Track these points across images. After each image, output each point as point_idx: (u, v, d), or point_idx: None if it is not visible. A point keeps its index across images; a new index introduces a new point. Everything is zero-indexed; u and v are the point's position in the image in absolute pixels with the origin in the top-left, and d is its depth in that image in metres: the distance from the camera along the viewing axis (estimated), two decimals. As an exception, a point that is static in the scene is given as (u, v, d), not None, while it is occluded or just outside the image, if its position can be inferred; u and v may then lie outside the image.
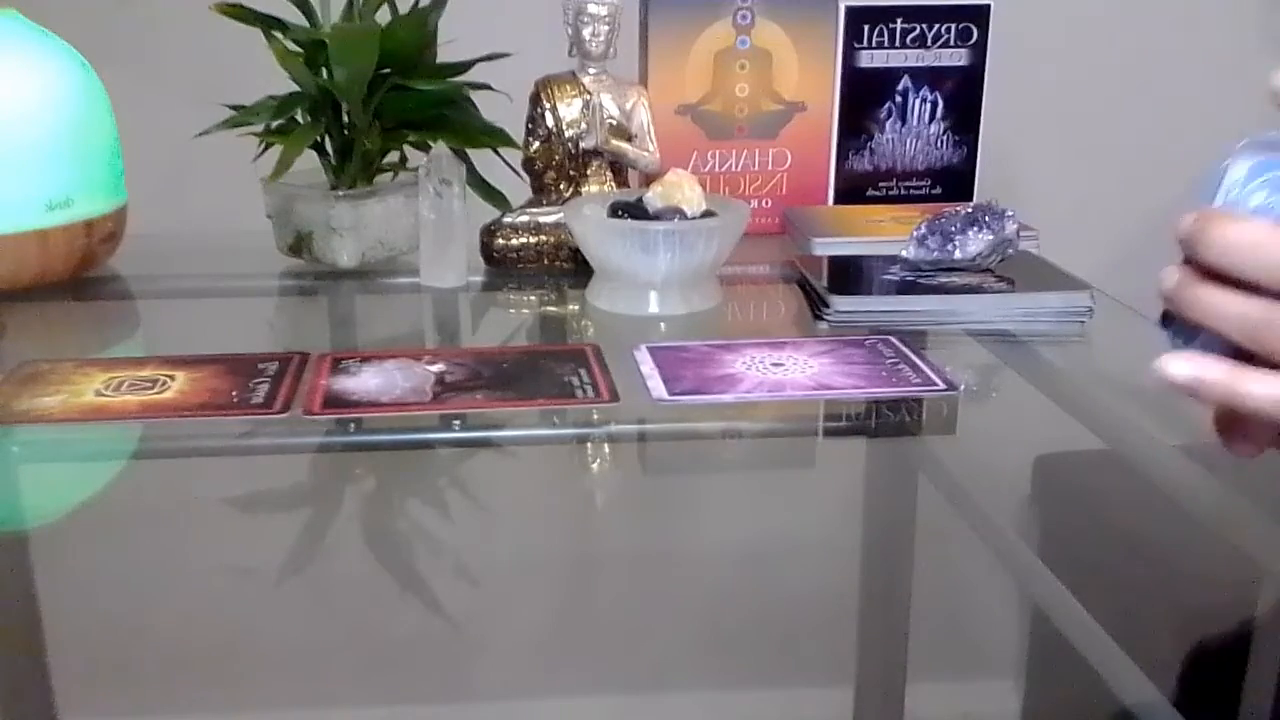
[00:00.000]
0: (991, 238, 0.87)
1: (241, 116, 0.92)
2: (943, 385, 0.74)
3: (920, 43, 1.07)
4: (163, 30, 1.24)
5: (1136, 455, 0.73)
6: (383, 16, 0.94)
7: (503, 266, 0.96)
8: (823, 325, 0.85)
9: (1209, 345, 0.48)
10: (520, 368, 0.76)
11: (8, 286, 0.89)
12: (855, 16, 1.06)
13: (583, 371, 0.75)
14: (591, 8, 0.94)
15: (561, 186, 0.98)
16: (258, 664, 0.56)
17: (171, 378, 0.74)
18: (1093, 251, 1.03)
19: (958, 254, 0.88)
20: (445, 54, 0.96)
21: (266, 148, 0.93)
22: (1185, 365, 0.47)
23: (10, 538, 0.65)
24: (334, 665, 0.55)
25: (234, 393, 0.72)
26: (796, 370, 0.75)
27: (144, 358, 0.78)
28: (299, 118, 0.94)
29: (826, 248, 0.98)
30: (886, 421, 0.74)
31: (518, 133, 0.96)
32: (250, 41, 0.92)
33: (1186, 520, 0.66)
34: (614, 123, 0.97)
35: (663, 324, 0.86)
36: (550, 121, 0.96)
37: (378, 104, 0.92)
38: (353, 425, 0.70)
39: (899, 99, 1.09)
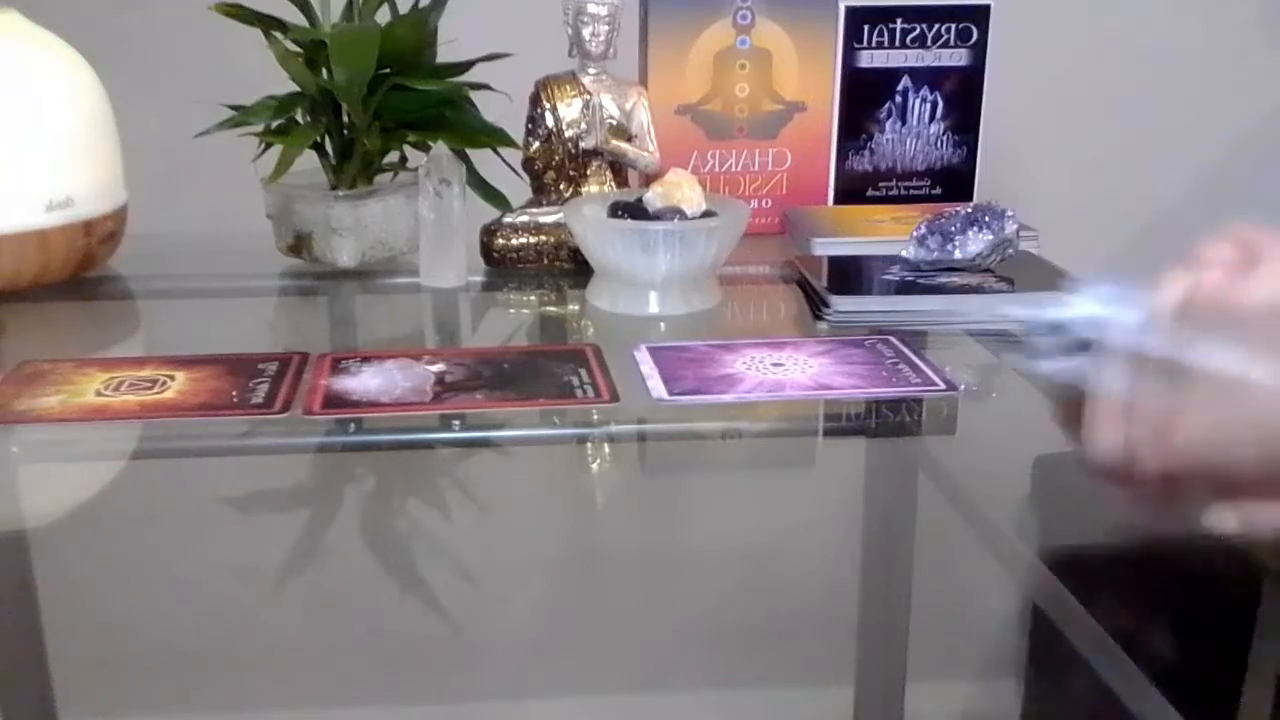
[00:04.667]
0: (991, 238, 0.87)
1: (241, 116, 0.92)
2: (943, 385, 0.74)
3: (920, 43, 1.07)
4: (163, 30, 1.24)
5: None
6: (383, 16, 0.94)
7: (503, 266, 0.96)
8: (823, 325, 0.85)
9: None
10: (520, 368, 0.76)
11: (8, 286, 0.89)
12: (855, 16, 1.06)
13: (583, 371, 0.75)
14: (591, 8, 0.94)
15: (561, 186, 0.98)
16: (258, 664, 0.56)
17: (171, 378, 0.74)
18: (1093, 251, 1.03)
19: (958, 254, 0.88)
20: (445, 54, 0.96)
21: (266, 148, 0.93)
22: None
23: (10, 538, 0.65)
24: (334, 665, 0.56)
25: (234, 393, 0.72)
26: (796, 370, 0.75)
27: (144, 358, 0.78)
28: (299, 118, 0.94)
29: (826, 248, 0.98)
30: (886, 421, 0.74)
31: (518, 133, 0.96)
32: (250, 41, 0.92)
33: (1186, 520, 0.66)
34: (614, 123, 0.97)
35: (663, 324, 0.86)
36: (550, 121, 0.96)
37: (378, 104, 0.91)
38: (353, 425, 0.70)
39: (899, 99, 1.09)
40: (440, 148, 0.93)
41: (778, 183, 1.09)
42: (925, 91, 1.09)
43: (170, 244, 1.04)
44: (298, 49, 0.92)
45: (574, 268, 0.95)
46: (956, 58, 1.08)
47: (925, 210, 0.94)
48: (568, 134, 0.96)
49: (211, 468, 0.71)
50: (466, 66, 0.95)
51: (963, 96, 1.09)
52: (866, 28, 1.07)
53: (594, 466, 0.72)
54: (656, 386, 0.73)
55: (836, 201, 1.10)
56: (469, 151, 0.96)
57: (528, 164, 0.98)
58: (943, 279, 0.88)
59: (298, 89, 0.93)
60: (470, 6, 0.97)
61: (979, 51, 1.08)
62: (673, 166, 0.92)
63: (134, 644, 0.56)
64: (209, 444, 0.71)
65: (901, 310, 0.84)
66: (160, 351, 0.79)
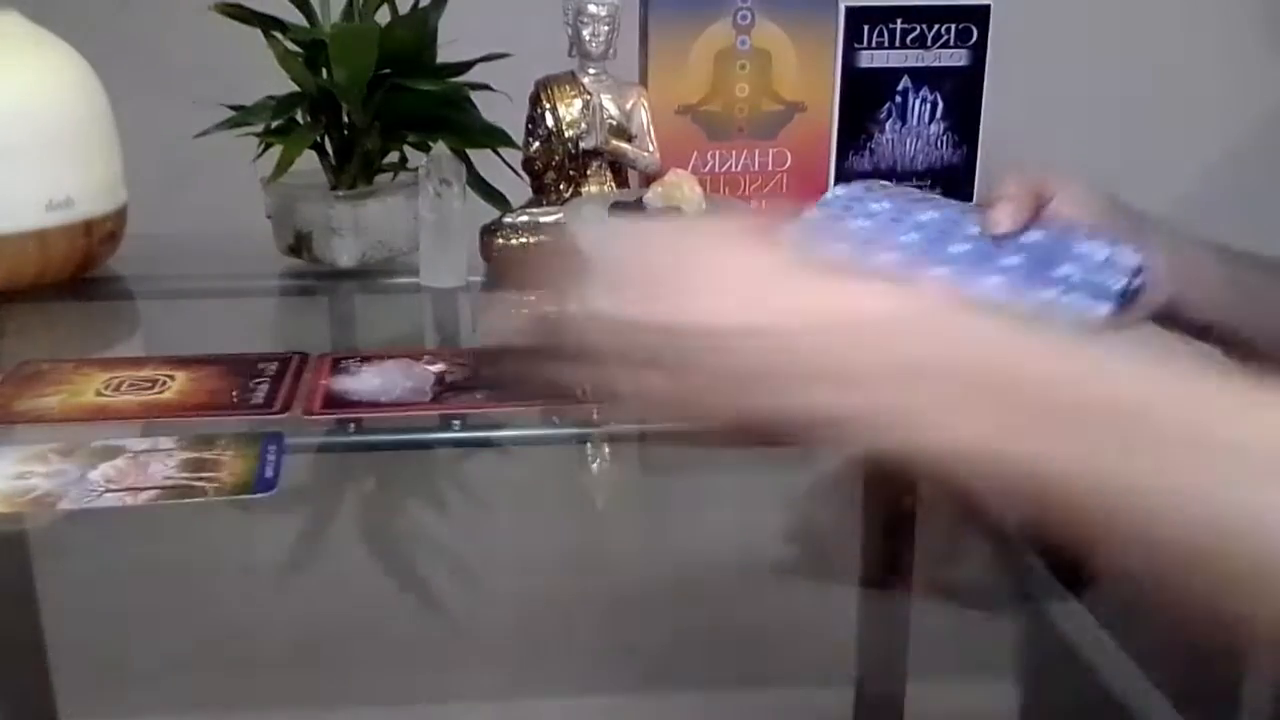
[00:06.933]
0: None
1: (241, 116, 0.92)
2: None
3: (920, 43, 1.07)
4: (163, 30, 1.24)
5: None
6: (383, 16, 0.94)
7: (503, 266, 0.96)
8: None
9: None
10: (520, 368, 0.76)
11: (8, 286, 0.89)
12: (855, 16, 1.06)
13: (583, 371, 0.75)
14: (591, 8, 0.94)
15: (561, 186, 0.98)
16: (258, 664, 0.56)
17: (171, 378, 0.74)
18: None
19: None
20: (445, 54, 0.96)
21: (266, 148, 0.93)
22: None
23: (10, 538, 0.65)
24: (334, 665, 0.56)
25: (234, 393, 0.72)
26: (796, 370, 0.75)
27: (144, 358, 0.78)
28: (299, 118, 0.94)
29: (826, 248, 0.98)
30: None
31: (518, 133, 0.96)
32: (250, 41, 0.92)
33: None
34: (614, 123, 0.97)
35: (663, 324, 0.86)
36: (550, 122, 0.96)
37: (378, 104, 0.91)
38: (353, 425, 0.70)
39: (899, 99, 1.09)
40: (440, 148, 0.93)
41: (778, 183, 1.09)
42: (925, 91, 1.09)
43: (170, 244, 1.04)
44: (298, 49, 0.92)
45: (574, 268, 0.95)
46: (956, 58, 1.08)
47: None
48: (568, 134, 0.96)
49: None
50: (466, 66, 0.95)
51: (963, 96, 1.09)
52: (866, 28, 1.07)
53: (594, 466, 0.72)
54: (656, 386, 0.72)
55: (836, 201, 1.10)
56: (469, 151, 0.96)
57: (528, 164, 0.98)
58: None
59: (298, 89, 0.93)
60: (470, 6, 0.97)
61: (979, 51, 1.08)
62: (673, 166, 0.92)
63: (134, 644, 0.56)
64: (209, 444, 0.71)
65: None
66: (160, 351, 0.79)
